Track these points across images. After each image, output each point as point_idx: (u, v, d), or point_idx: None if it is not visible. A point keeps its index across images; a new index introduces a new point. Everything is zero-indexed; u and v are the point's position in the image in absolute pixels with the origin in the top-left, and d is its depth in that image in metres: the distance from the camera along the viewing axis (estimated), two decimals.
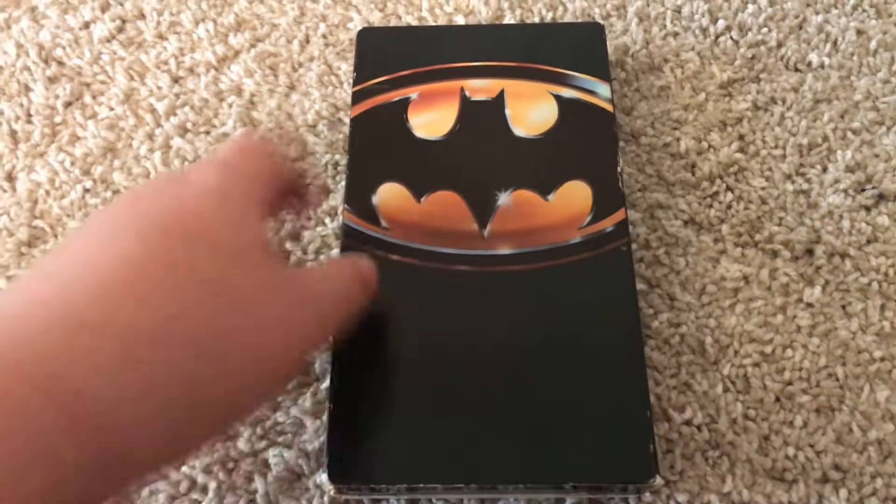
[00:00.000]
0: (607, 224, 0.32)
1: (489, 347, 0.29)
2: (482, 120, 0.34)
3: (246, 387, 0.22)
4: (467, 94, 0.35)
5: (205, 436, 0.22)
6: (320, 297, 0.26)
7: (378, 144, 0.34)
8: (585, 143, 0.34)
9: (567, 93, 0.35)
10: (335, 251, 0.35)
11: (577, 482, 0.27)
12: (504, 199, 0.32)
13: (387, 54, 0.36)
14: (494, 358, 0.29)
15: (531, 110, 0.34)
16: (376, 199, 0.32)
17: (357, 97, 0.35)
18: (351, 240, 0.31)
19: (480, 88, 0.35)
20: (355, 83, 0.36)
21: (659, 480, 0.27)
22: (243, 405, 0.24)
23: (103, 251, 0.21)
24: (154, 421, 0.20)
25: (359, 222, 0.32)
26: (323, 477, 0.27)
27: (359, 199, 0.32)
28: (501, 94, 0.35)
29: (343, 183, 0.36)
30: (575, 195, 0.32)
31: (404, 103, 0.35)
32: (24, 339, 0.19)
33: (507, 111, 0.34)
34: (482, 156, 0.33)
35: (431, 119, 0.34)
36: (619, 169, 0.33)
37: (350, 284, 0.27)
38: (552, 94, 0.35)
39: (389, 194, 0.32)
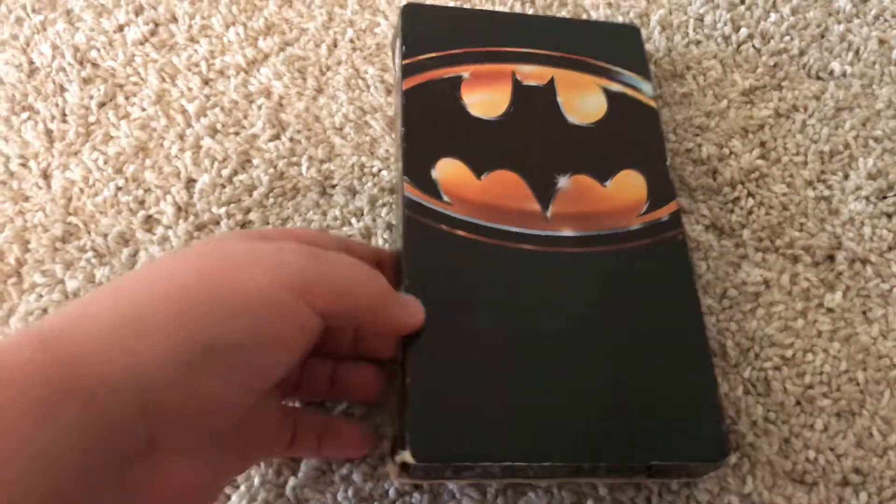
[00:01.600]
0: (663, 214, 0.32)
1: (557, 327, 0.29)
2: (535, 104, 0.35)
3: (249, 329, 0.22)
4: (519, 78, 0.35)
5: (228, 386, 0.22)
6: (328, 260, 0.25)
7: (434, 119, 0.34)
8: (635, 136, 0.35)
9: (614, 87, 0.36)
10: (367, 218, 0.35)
11: (654, 462, 0.27)
12: (563, 182, 0.33)
13: (435, 31, 0.36)
14: (563, 338, 0.29)
15: (582, 99, 0.35)
16: (436, 173, 0.32)
17: (407, 70, 0.35)
18: (414, 213, 0.31)
19: (531, 74, 0.36)
20: (405, 56, 0.36)
21: (733, 458, 0.27)
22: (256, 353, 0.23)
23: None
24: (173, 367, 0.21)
25: (421, 195, 0.32)
26: (405, 453, 0.26)
27: (418, 171, 0.32)
28: (552, 81, 0.35)
29: (373, 166, 0.37)
30: (630, 183, 0.33)
31: (457, 81, 0.35)
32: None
33: (559, 98, 0.35)
34: (538, 139, 0.34)
35: (485, 99, 0.35)
36: (668, 162, 0.34)
37: (369, 282, 0.26)
38: (600, 86, 0.36)
39: (450, 169, 0.32)
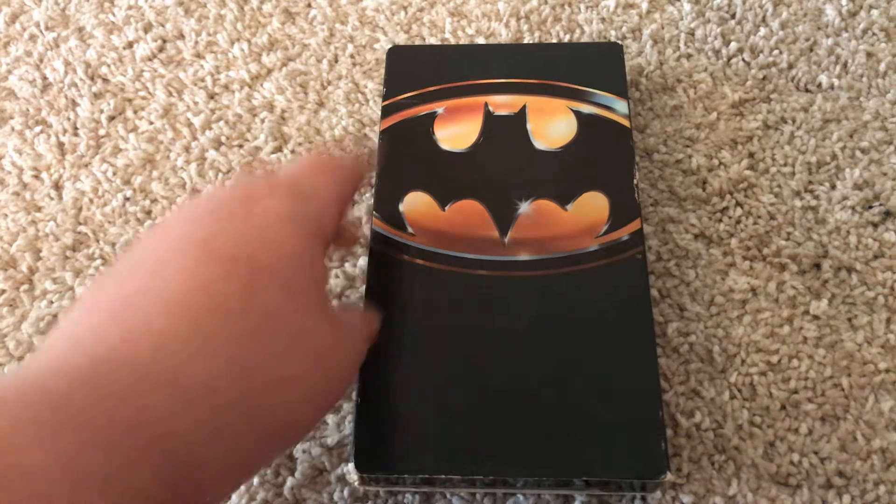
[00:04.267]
0: (623, 233, 0.33)
1: (508, 348, 0.30)
2: (505, 133, 0.36)
3: (302, 415, 0.25)
4: (491, 109, 0.37)
5: (263, 463, 0.24)
6: (356, 337, 0.28)
7: (406, 155, 0.36)
8: (603, 156, 0.35)
9: (586, 108, 0.37)
10: (362, 260, 0.36)
11: (591, 477, 0.28)
12: (524, 208, 0.34)
13: (415, 71, 0.38)
14: (513, 358, 0.30)
15: (551, 125, 0.36)
16: (403, 206, 0.34)
17: (386, 111, 0.37)
18: (379, 245, 0.33)
19: (503, 104, 0.37)
20: (385, 98, 0.38)
21: (669, 477, 0.28)
22: (298, 433, 0.26)
23: (171, 281, 0.22)
24: (225, 455, 0.22)
25: (387, 228, 0.33)
26: (349, 466, 0.28)
27: (387, 206, 0.34)
28: (523, 109, 0.36)
29: (368, 193, 0.38)
30: (592, 205, 0.34)
31: (431, 117, 0.37)
32: (114, 390, 0.19)
33: (529, 125, 0.36)
34: (504, 167, 0.35)
35: (456, 132, 0.36)
36: (635, 181, 0.34)
37: (365, 334, 0.29)
38: (571, 109, 0.37)
39: (416, 202, 0.34)
